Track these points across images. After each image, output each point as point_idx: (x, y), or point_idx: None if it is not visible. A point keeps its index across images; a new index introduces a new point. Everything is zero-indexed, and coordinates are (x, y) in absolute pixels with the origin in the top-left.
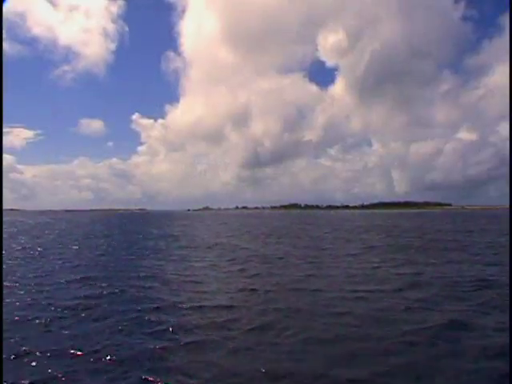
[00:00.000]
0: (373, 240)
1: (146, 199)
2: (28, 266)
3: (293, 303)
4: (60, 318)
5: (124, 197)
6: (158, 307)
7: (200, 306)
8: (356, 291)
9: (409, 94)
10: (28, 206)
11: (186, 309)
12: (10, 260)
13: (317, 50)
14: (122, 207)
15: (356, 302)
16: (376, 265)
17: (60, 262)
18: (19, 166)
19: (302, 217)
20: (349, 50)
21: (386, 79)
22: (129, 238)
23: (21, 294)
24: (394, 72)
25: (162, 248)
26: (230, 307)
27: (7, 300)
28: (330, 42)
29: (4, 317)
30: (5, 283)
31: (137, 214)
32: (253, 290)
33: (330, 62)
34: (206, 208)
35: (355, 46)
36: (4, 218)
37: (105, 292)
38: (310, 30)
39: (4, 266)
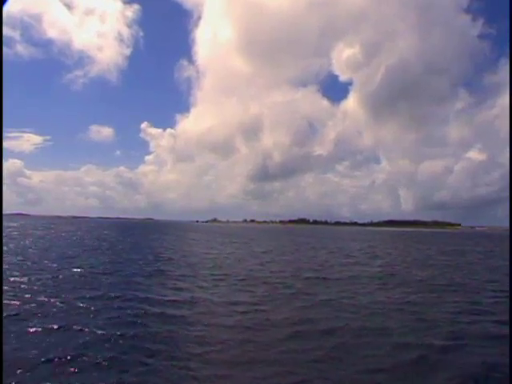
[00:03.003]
0: None
1: (153, 209)
2: None
3: None
4: None
5: (131, 205)
6: None
7: None
8: None
9: (422, 111)
10: (35, 210)
11: None
12: None
13: (331, 63)
14: (129, 216)
15: None
16: None
17: None
18: (27, 171)
19: (328, 233)
20: (363, 64)
21: (400, 95)
22: None
23: None
24: (408, 88)
25: None
26: None
27: None
28: (344, 56)
29: None
30: None
31: (141, 225)
32: None
33: (343, 77)
34: (215, 220)
35: (370, 60)
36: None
37: None
38: (326, 43)
39: None
